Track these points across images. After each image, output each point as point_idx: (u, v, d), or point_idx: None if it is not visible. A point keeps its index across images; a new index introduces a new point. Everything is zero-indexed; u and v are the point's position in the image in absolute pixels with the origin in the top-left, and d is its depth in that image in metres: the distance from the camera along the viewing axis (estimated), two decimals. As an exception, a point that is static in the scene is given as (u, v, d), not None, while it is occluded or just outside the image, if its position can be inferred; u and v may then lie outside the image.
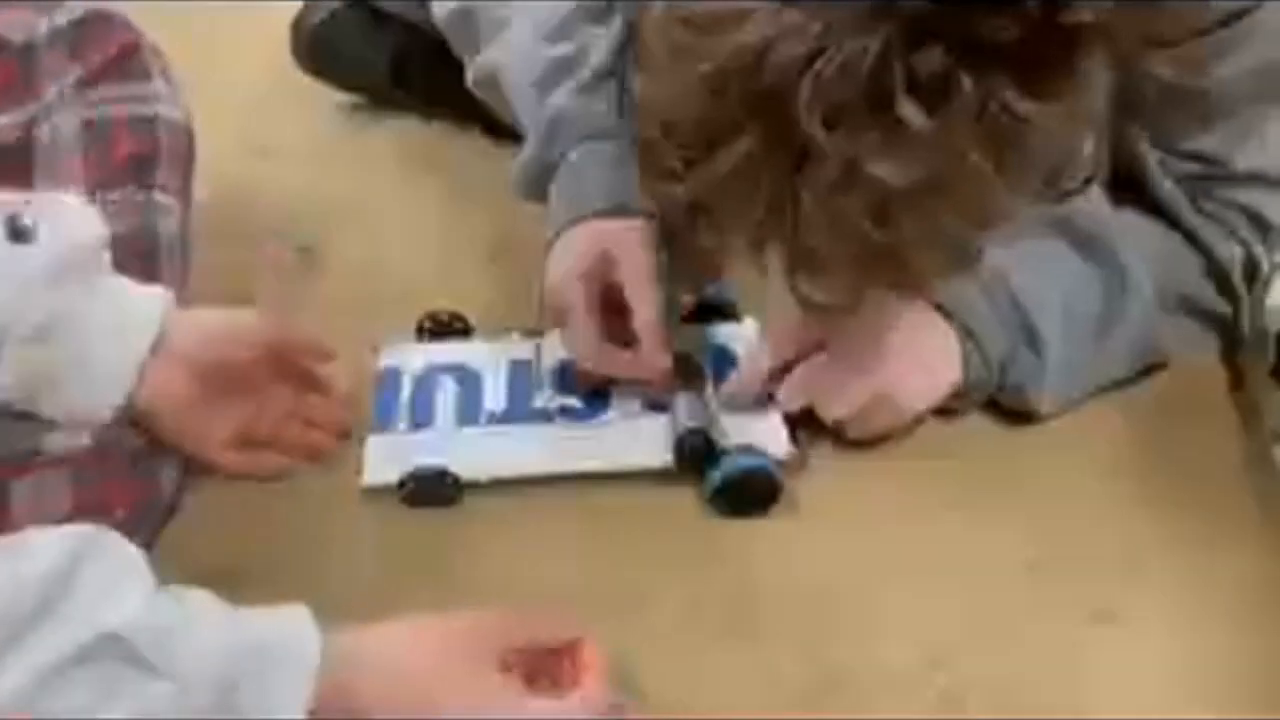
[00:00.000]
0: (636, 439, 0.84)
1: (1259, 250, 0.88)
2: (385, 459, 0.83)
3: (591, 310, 0.83)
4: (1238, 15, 0.78)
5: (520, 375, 0.89)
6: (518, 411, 0.87)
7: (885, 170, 0.60)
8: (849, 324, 0.82)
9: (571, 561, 0.79)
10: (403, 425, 0.86)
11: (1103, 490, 0.84)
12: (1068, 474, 0.85)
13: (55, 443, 0.74)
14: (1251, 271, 0.88)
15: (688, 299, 0.92)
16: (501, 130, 1.04)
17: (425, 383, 0.89)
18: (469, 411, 0.87)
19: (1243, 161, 0.85)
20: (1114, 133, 0.85)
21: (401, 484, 0.82)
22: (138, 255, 0.80)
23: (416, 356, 0.91)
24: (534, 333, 0.91)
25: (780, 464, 0.82)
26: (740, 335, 0.91)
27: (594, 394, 0.87)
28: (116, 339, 0.75)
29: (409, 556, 0.80)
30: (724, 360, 0.89)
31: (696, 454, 0.82)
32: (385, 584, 0.78)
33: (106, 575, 0.56)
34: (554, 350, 0.89)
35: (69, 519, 0.69)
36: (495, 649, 0.63)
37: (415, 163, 1.13)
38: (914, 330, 0.84)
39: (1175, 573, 0.78)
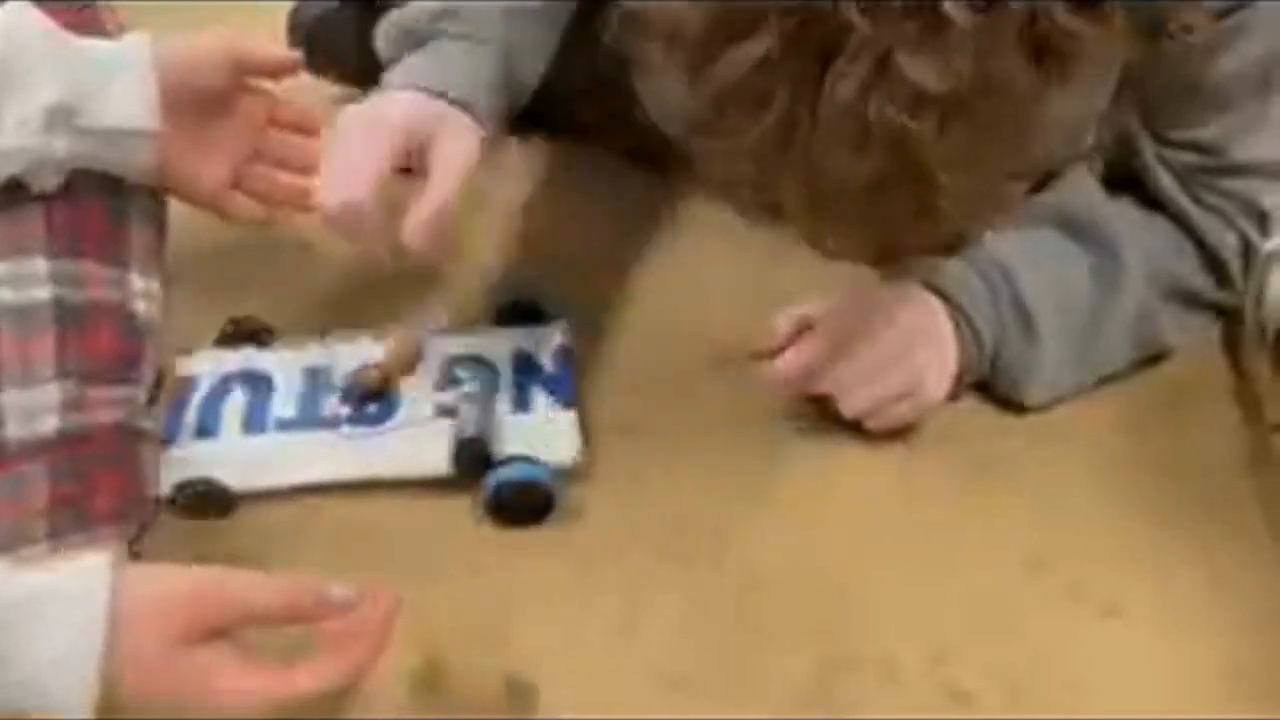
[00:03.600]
0: (420, 446, 0.83)
1: (1256, 238, 0.88)
2: (164, 471, 0.81)
3: (380, 157, 0.79)
4: (1237, 6, 0.78)
5: (313, 383, 0.88)
6: (305, 419, 0.86)
7: (921, 69, 0.55)
8: (869, 319, 0.81)
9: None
10: (187, 436, 0.85)
11: (1104, 483, 0.84)
12: (1069, 466, 0.85)
13: (19, 431, 0.73)
14: (1249, 260, 0.88)
15: (496, 301, 0.93)
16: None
17: (216, 391, 0.88)
18: (256, 420, 0.86)
19: (1241, 152, 0.85)
20: (1113, 126, 0.84)
21: (172, 498, 0.81)
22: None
23: (212, 364, 0.90)
24: (335, 339, 0.91)
25: (565, 470, 0.82)
26: (546, 338, 0.91)
27: (385, 400, 0.86)
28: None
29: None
30: (526, 363, 0.89)
31: (474, 462, 0.81)
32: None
33: None
34: (347, 357, 0.88)
35: (48, 513, 0.70)
36: (205, 619, 0.60)
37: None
38: (922, 317, 0.84)
39: (1178, 566, 0.78)
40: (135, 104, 0.77)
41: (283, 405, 0.87)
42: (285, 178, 0.87)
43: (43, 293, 0.74)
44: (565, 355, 0.89)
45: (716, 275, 0.99)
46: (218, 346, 0.91)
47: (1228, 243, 0.87)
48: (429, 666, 0.74)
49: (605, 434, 0.86)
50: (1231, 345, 0.91)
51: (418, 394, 0.87)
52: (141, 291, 0.79)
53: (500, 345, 0.90)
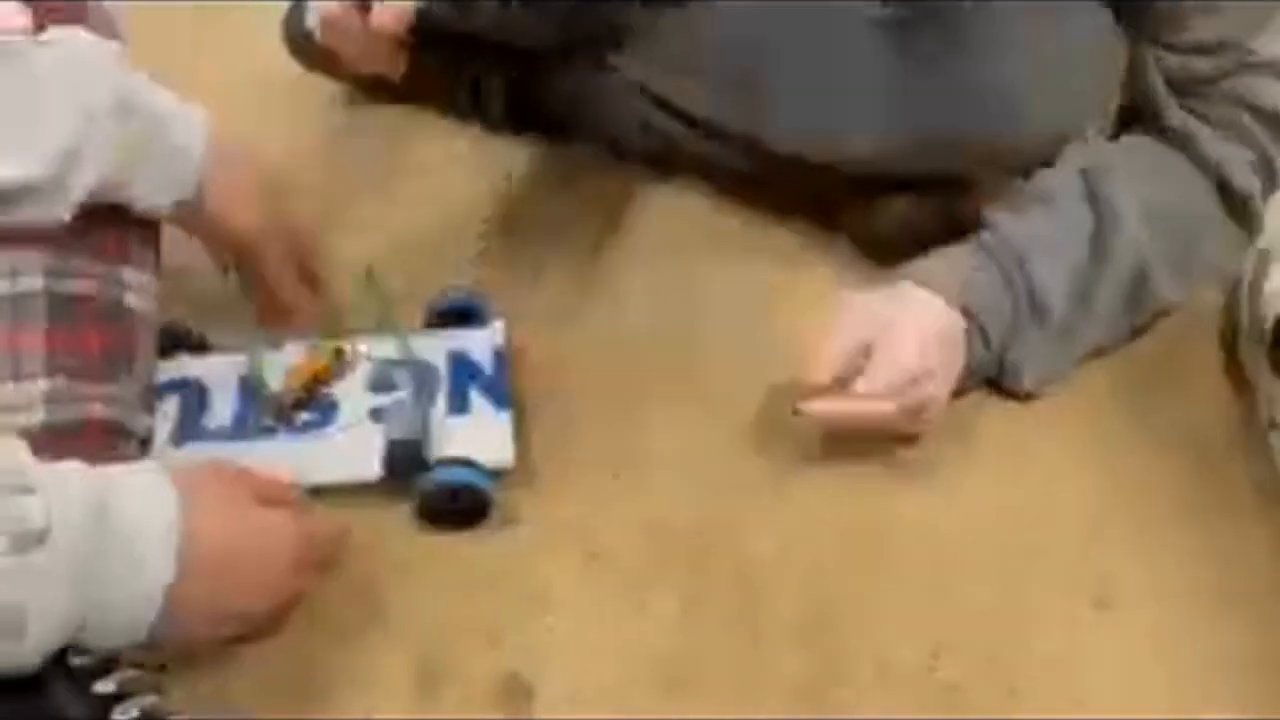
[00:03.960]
0: (354, 451, 0.82)
1: (1274, 150, 0.87)
2: None
3: None
4: None
5: (247, 391, 0.86)
6: (241, 427, 0.85)
7: None
8: (891, 329, 0.81)
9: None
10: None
11: (1101, 476, 0.84)
12: (1067, 461, 0.85)
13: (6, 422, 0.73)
14: (1272, 178, 0.88)
15: (434, 304, 0.92)
16: (491, 120, 1.07)
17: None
18: (189, 430, 0.84)
19: (1257, 48, 0.85)
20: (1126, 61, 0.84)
21: None
22: None
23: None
24: (263, 345, 0.89)
25: (499, 473, 0.81)
26: (483, 340, 0.89)
27: (318, 407, 0.85)
28: (182, 120, 0.78)
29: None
30: (462, 366, 0.88)
31: (405, 465, 0.81)
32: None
33: None
34: (282, 364, 0.87)
35: None
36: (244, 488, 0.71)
37: (404, 156, 1.12)
38: (935, 320, 0.83)
39: (1174, 560, 0.79)
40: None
41: (218, 414, 0.85)
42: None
43: (35, 284, 0.74)
44: (500, 357, 0.88)
45: (707, 279, 0.99)
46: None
47: (1248, 181, 0.87)
48: (428, 667, 0.74)
49: (603, 434, 0.86)
50: (1230, 340, 0.91)
51: (352, 399, 0.86)
52: (135, 285, 0.79)
53: (436, 347, 0.89)
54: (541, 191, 1.06)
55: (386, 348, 0.88)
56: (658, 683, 0.73)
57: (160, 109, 0.77)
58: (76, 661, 0.62)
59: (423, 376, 0.86)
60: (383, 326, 0.89)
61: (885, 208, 0.96)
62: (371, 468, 0.81)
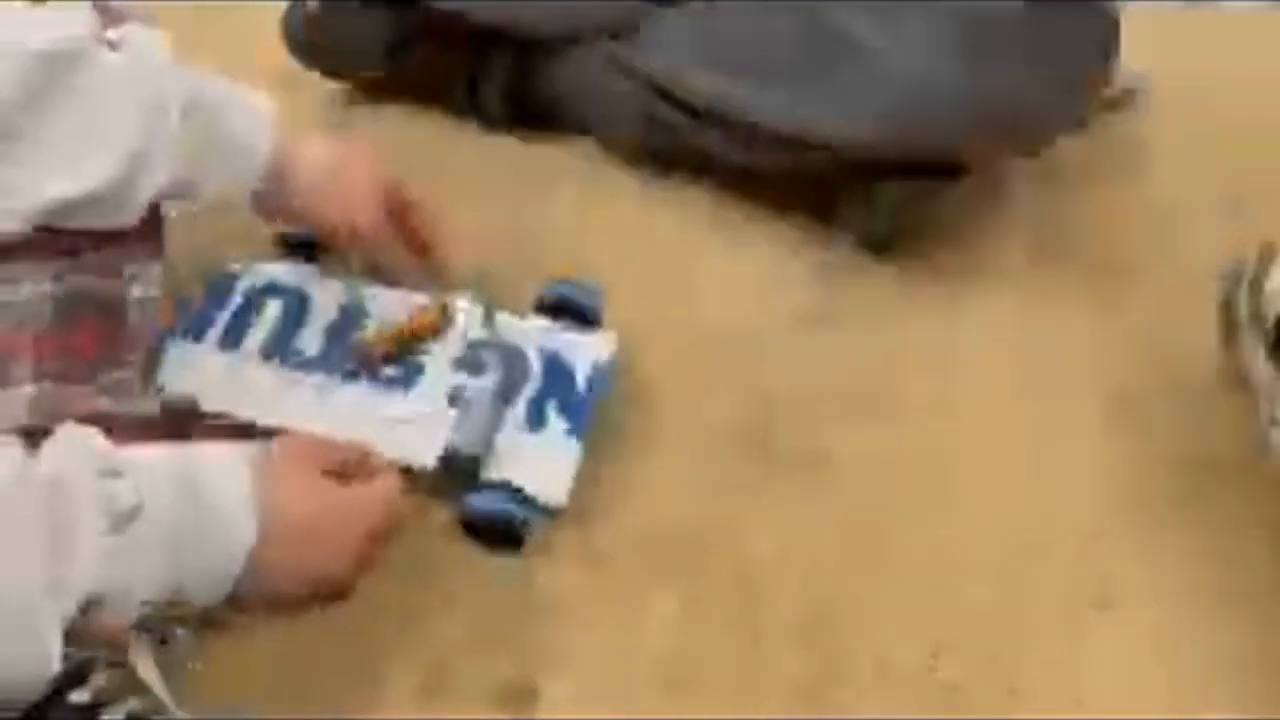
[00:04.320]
0: (418, 435, 0.80)
1: None
2: (174, 367, 0.82)
3: None
4: None
5: (344, 320, 0.86)
6: (325, 362, 0.84)
7: None
8: None
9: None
10: (213, 340, 0.84)
11: (1099, 475, 0.84)
12: (1067, 462, 0.85)
13: None
14: None
15: (543, 293, 0.89)
16: (488, 117, 1.08)
17: (253, 301, 0.86)
18: (280, 346, 0.84)
19: None
20: None
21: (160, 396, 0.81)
22: None
23: (260, 273, 0.88)
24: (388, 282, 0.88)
25: (549, 511, 0.79)
26: (589, 348, 0.85)
27: (409, 366, 0.84)
28: (245, 112, 0.79)
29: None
30: (557, 371, 0.84)
31: (458, 475, 0.79)
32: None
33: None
34: (384, 303, 0.86)
35: None
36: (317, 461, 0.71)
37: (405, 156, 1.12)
38: None
39: (1174, 560, 0.79)
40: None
41: (311, 339, 0.85)
42: None
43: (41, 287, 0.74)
44: (599, 374, 0.84)
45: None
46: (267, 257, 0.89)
47: None
48: (430, 667, 0.74)
49: (606, 434, 0.86)
50: (1229, 337, 0.91)
51: (437, 368, 0.84)
52: (140, 276, 0.79)
53: (537, 340, 0.85)
54: (541, 187, 1.06)
55: (489, 328, 0.86)
56: (658, 683, 0.73)
57: (226, 102, 0.78)
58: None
59: (511, 371, 0.83)
60: (487, 306, 0.87)
61: (881, 193, 0.96)
62: (427, 459, 0.79)
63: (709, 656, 0.75)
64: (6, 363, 0.73)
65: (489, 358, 0.84)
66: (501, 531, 0.79)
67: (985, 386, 0.90)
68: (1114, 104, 1.13)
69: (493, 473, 0.80)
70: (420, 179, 1.06)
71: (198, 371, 0.83)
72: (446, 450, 0.80)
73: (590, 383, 0.84)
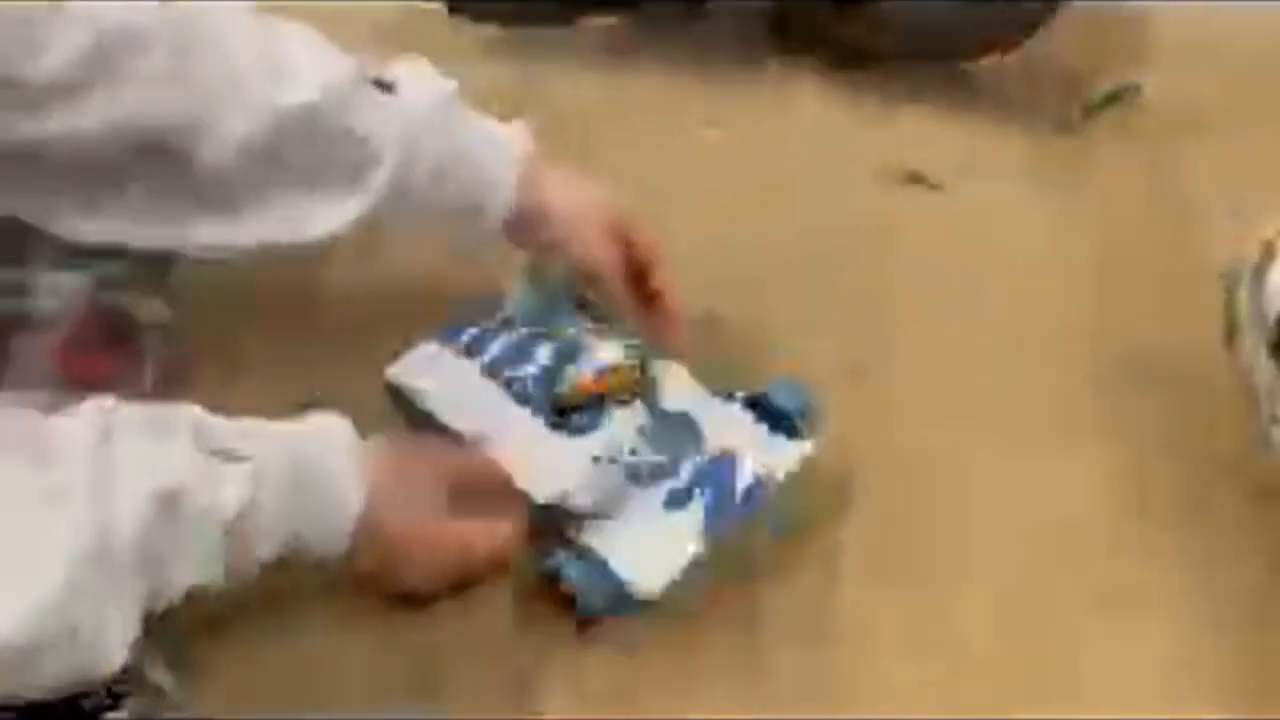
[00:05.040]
0: (556, 463, 0.76)
1: None
2: (415, 361, 0.83)
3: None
4: None
5: (559, 362, 0.81)
6: (523, 394, 0.80)
7: None
8: None
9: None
10: (465, 340, 0.83)
11: (1099, 474, 0.84)
12: (1068, 462, 0.85)
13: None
14: None
15: (745, 392, 0.81)
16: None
17: (495, 331, 0.84)
18: (508, 358, 0.82)
19: None
20: None
21: (388, 385, 0.82)
22: None
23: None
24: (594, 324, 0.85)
25: (637, 603, 0.73)
26: (778, 460, 0.78)
27: (596, 415, 0.79)
28: (494, 146, 0.81)
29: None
30: (723, 473, 0.77)
31: (554, 523, 0.76)
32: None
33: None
34: (594, 350, 0.82)
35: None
36: (448, 478, 0.74)
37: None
38: None
39: (1174, 560, 0.79)
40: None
41: (528, 369, 0.81)
42: None
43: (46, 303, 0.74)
44: (760, 487, 0.77)
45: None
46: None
47: None
48: (431, 666, 0.74)
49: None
50: (1230, 336, 0.91)
51: (621, 426, 0.78)
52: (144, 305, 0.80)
53: (724, 433, 0.79)
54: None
55: (682, 397, 0.81)
56: (658, 682, 0.73)
57: (474, 137, 0.80)
58: None
59: (682, 447, 0.78)
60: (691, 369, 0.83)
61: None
62: (546, 492, 0.75)
63: (709, 656, 0.75)
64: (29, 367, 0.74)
65: (666, 435, 0.79)
66: (569, 599, 0.75)
67: (985, 386, 0.90)
68: (1111, 101, 1.13)
69: (593, 539, 0.75)
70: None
71: (422, 367, 0.83)
72: (549, 500, 0.75)
73: (749, 494, 0.77)
